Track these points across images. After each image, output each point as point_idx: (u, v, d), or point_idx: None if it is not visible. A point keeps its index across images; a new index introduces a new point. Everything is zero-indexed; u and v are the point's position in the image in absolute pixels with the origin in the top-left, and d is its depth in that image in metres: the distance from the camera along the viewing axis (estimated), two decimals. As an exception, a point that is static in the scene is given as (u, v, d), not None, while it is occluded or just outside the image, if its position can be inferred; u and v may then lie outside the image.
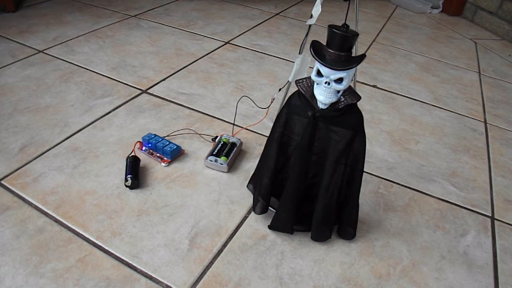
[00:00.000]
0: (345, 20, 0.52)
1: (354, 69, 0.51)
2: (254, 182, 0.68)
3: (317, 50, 0.51)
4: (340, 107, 0.53)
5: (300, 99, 0.56)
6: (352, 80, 0.53)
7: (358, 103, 0.54)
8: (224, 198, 0.71)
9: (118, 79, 1.04)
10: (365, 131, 0.56)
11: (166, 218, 0.66)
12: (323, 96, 0.52)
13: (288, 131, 0.59)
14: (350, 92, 0.53)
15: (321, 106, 0.54)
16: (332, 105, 0.53)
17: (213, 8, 1.63)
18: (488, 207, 0.77)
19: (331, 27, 0.49)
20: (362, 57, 0.51)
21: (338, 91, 0.52)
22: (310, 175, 0.60)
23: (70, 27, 1.31)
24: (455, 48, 1.53)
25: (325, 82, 0.51)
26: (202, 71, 1.13)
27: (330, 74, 0.50)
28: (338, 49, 0.50)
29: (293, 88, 0.59)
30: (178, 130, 0.86)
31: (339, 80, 0.51)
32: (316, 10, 0.65)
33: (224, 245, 0.63)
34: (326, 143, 0.56)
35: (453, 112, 1.08)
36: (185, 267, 0.59)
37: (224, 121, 0.92)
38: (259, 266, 0.60)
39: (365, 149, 0.57)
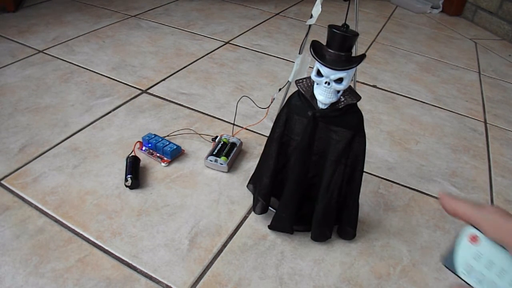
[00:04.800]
0: (345, 20, 0.52)
1: (354, 69, 0.51)
2: (254, 182, 0.68)
3: (317, 50, 0.51)
4: (340, 107, 0.53)
5: (300, 99, 0.56)
6: (352, 80, 0.53)
7: (358, 103, 0.54)
8: (224, 198, 0.71)
9: (118, 79, 1.04)
10: (365, 131, 0.56)
11: (166, 218, 0.66)
12: (323, 96, 0.52)
13: (288, 131, 0.59)
14: (350, 92, 0.53)
15: (321, 106, 0.54)
16: (332, 105, 0.53)
17: (213, 8, 1.63)
18: (488, 207, 0.77)
19: (331, 27, 0.49)
20: (362, 57, 0.51)
21: (338, 91, 0.52)
22: (310, 175, 0.60)
23: (70, 27, 1.31)
24: (455, 48, 1.53)
25: (325, 82, 0.51)
26: (202, 71, 1.13)
27: (330, 74, 0.50)
28: (338, 49, 0.50)
29: (293, 88, 0.59)
30: (178, 130, 0.86)
31: (339, 80, 0.51)
32: (316, 10, 0.65)
33: (224, 245, 0.63)
34: (326, 143, 0.56)
35: (453, 112, 1.08)
36: (185, 267, 0.59)
37: (224, 121, 0.92)
38: (259, 266, 0.60)
39: (365, 149, 0.57)
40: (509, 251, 0.28)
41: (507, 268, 0.28)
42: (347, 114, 0.54)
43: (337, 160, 0.56)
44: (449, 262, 0.30)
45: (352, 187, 0.60)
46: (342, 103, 0.53)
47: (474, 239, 0.29)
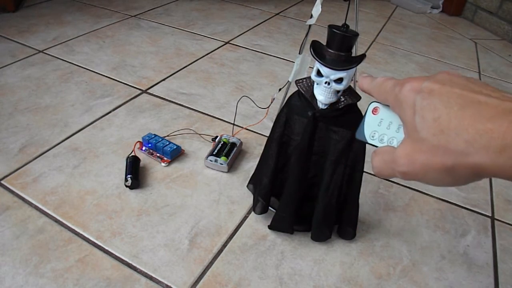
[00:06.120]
0: (345, 20, 0.51)
1: (354, 69, 0.51)
2: (254, 182, 0.68)
3: (317, 50, 0.51)
4: (340, 107, 0.53)
5: (300, 99, 0.56)
6: (352, 80, 0.53)
7: (358, 103, 0.54)
8: (224, 198, 0.71)
9: (118, 79, 1.04)
10: (365, 131, 0.56)
11: (166, 218, 0.66)
12: (323, 96, 0.52)
13: (288, 131, 0.59)
14: (350, 92, 0.53)
15: (321, 106, 0.54)
16: (332, 105, 0.53)
17: (213, 8, 1.63)
18: (488, 207, 0.77)
19: (331, 27, 0.49)
20: (362, 57, 0.51)
21: (338, 91, 0.52)
22: (310, 175, 0.60)
23: (70, 27, 1.31)
24: (455, 48, 1.53)
25: (325, 82, 0.51)
26: (202, 71, 1.13)
27: (330, 74, 0.50)
28: (338, 49, 0.50)
29: (293, 88, 0.59)
30: (178, 130, 0.86)
31: (339, 80, 0.51)
32: (316, 10, 0.65)
33: (224, 245, 0.63)
34: (326, 143, 0.56)
35: (453, 112, 1.08)
36: (185, 267, 0.59)
37: (224, 121, 0.92)
38: (259, 266, 0.60)
39: (365, 149, 0.57)
40: (391, 109, 0.33)
41: (400, 121, 0.33)
42: (347, 114, 0.54)
43: (337, 160, 0.56)
44: (360, 135, 0.37)
45: (352, 187, 0.60)
46: (342, 103, 0.53)
47: (375, 110, 0.36)
